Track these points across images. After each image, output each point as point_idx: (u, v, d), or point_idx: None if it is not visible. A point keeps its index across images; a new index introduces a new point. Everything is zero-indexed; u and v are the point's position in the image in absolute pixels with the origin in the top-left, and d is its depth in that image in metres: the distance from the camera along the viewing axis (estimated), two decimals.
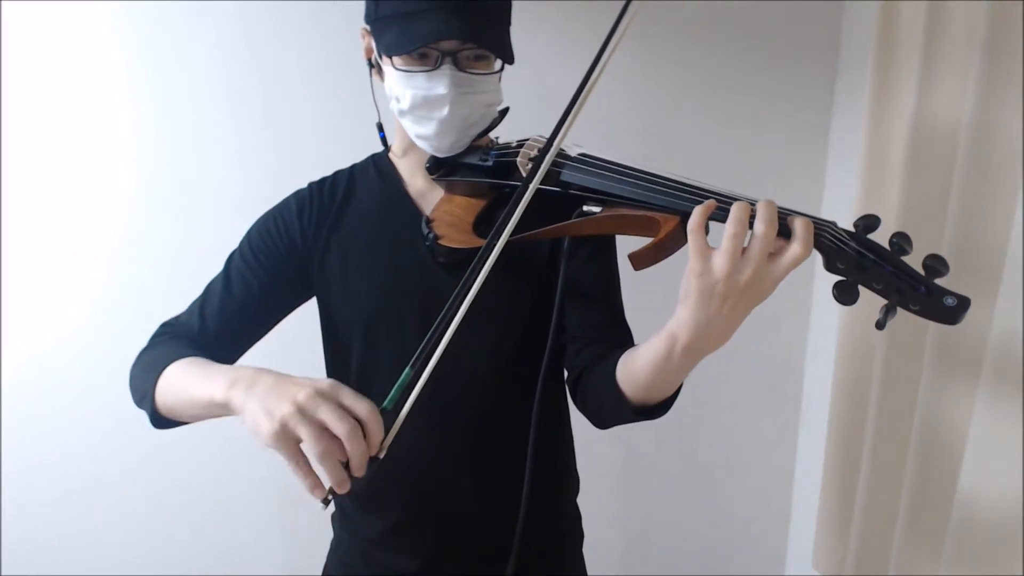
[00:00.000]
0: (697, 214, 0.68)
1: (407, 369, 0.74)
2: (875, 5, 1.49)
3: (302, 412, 0.68)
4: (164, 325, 1.01)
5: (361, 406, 0.69)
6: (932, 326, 1.29)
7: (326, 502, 0.71)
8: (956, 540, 1.22)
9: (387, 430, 0.71)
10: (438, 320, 0.74)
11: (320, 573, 1.15)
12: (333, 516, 1.13)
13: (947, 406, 1.29)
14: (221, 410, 0.77)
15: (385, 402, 0.73)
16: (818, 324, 1.92)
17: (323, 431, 0.68)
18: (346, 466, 0.69)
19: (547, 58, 1.61)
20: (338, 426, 0.67)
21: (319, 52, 1.58)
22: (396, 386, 0.73)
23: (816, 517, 1.74)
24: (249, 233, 1.02)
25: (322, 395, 0.69)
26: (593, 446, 1.93)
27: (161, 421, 0.90)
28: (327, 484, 0.70)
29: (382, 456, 0.71)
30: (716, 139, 1.79)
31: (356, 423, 0.68)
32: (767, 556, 2.12)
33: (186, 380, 0.83)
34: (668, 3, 1.70)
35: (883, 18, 1.47)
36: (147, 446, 1.51)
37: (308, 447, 0.68)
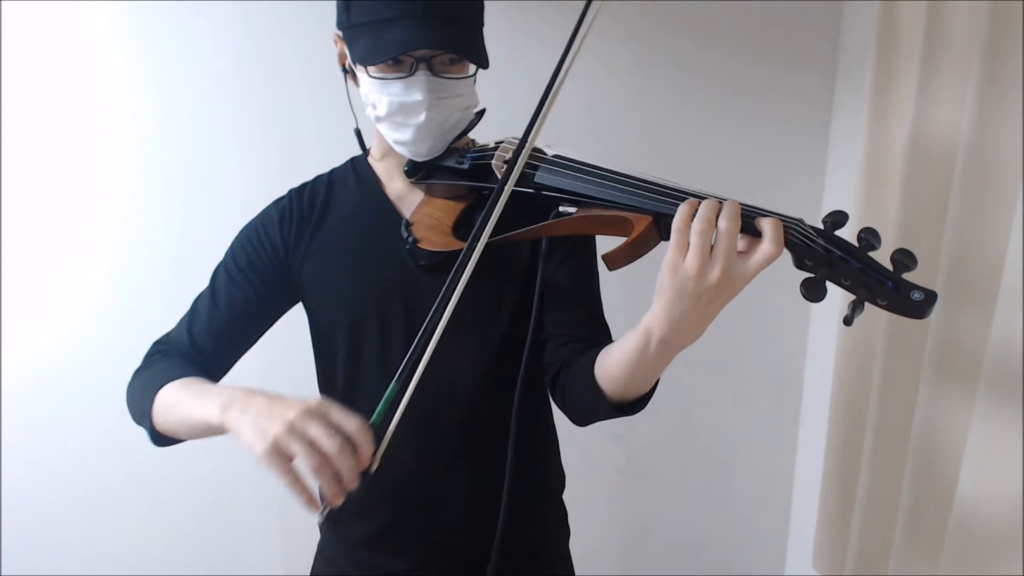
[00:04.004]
0: (683, 212, 0.69)
1: (392, 384, 0.76)
2: (875, 5, 1.49)
3: (293, 430, 0.70)
4: (156, 344, 1.03)
5: (350, 423, 0.72)
6: (932, 329, 1.29)
7: (323, 516, 0.74)
8: (956, 541, 1.22)
9: (377, 444, 0.73)
10: (420, 332, 0.77)
11: (309, 574, 1.15)
12: None
13: (946, 408, 1.29)
14: (215, 431, 0.80)
15: (373, 417, 0.75)
16: (818, 325, 1.92)
17: (314, 448, 0.70)
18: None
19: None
20: (327, 443, 0.70)
21: (319, 52, 1.58)
22: (383, 401, 0.75)
23: (816, 517, 1.74)
24: (232, 247, 1.04)
25: (311, 413, 0.72)
26: (593, 446, 1.94)
27: (161, 439, 0.93)
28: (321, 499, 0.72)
29: (374, 469, 0.74)
30: (716, 139, 1.80)
31: (345, 440, 0.71)
32: (767, 556, 2.12)
33: (181, 403, 0.86)
34: (669, 3, 1.71)
35: (883, 18, 1.47)
36: (147, 446, 1.51)
37: (301, 463, 0.71)
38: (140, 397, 0.93)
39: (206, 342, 1.00)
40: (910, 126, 1.36)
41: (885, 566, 1.51)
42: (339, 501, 0.72)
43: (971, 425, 1.20)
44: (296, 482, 0.71)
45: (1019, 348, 1.11)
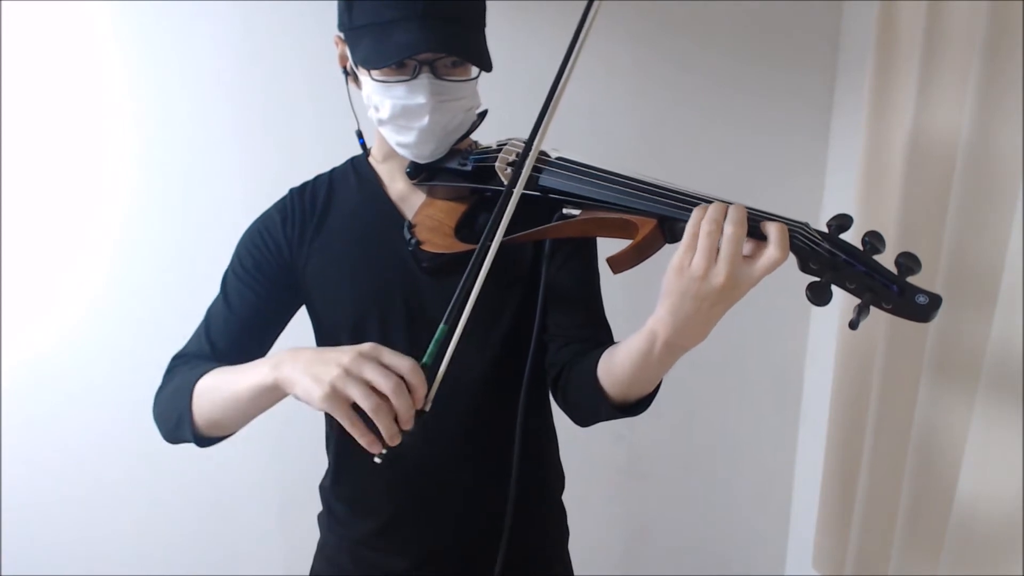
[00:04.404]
0: (696, 215, 0.69)
1: (441, 325, 0.76)
2: (875, 5, 1.49)
3: (348, 373, 0.72)
4: (174, 359, 1.02)
5: (403, 363, 0.73)
6: (932, 329, 1.29)
7: (382, 457, 0.75)
8: (956, 540, 1.22)
9: (429, 384, 0.75)
10: (464, 277, 0.76)
11: (308, 574, 1.15)
12: (320, 516, 1.14)
13: (946, 408, 1.29)
14: (268, 395, 0.80)
15: (424, 358, 0.76)
16: (818, 325, 1.92)
17: (371, 388, 0.71)
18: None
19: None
20: (383, 383, 0.71)
21: (319, 52, 1.58)
22: (432, 341, 0.76)
23: (816, 517, 1.74)
24: (237, 250, 1.03)
25: (365, 356, 0.73)
26: (593, 446, 1.94)
27: (204, 440, 0.92)
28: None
29: (428, 409, 0.75)
30: (716, 139, 1.80)
31: (400, 379, 0.72)
32: (767, 556, 2.12)
33: (225, 382, 0.85)
34: (669, 3, 1.71)
35: (883, 18, 1.47)
36: (147, 446, 1.52)
37: (360, 404, 0.71)
38: (174, 402, 0.91)
39: (226, 347, 0.99)
40: (910, 126, 1.36)
41: (885, 566, 1.51)
42: (397, 441, 0.73)
43: (971, 425, 1.20)
44: (357, 423, 0.72)
45: (1019, 348, 1.11)
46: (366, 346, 0.74)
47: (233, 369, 0.86)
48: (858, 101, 1.59)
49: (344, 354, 0.73)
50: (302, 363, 0.75)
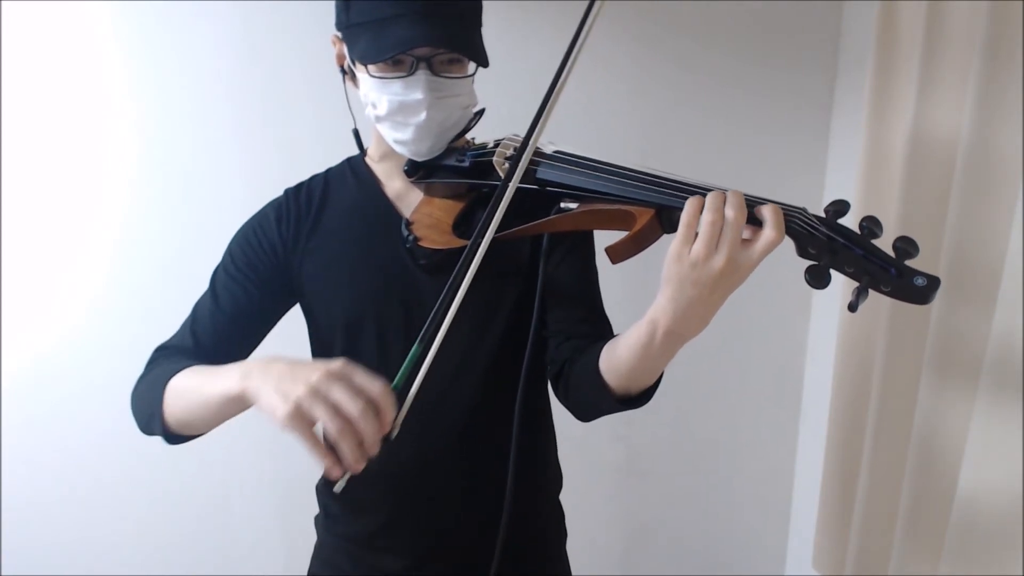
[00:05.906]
0: (691, 206, 0.69)
1: (415, 345, 0.75)
2: (875, 5, 1.49)
3: (315, 393, 0.69)
4: (157, 350, 1.01)
5: (373, 385, 0.71)
6: (932, 328, 1.29)
7: (343, 483, 0.73)
8: (956, 540, 1.22)
9: (399, 408, 0.73)
10: (441, 297, 0.76)
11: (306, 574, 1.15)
12: (316, 518, 1.13)
13: (947, 407, 1.29)
14: (236, 404, 0.78)
15: (395, 381, 0.74)
16: (818, 323, 1.92)
17: (337, 411, 0.69)
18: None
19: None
20: (350, 405, 0.69)
21: (319, 52, 1.58)
22: (405, 363, 0.75)
23: (816, 517, 1.74)
24: (230, 247, 1.03)
25: (334, 376, 0.71)
26: (593, 445, 1.94)
27: (174, 437, 0.91)
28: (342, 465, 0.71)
29: (394, 434, 0.73)
30: (716, 139, 1.80)
31: (368, 403, 0.70)
32: (767, 556, 2.12)
33: (196, 384, 0.84)
34: (670, 3, 1.71)
35: (883, 18, 1.47)
36: (147, 446, 1.52)
37: (323, 426, 0.69)
38: (148, 396, 0.91)
39: (210, 343, 0.99)
40: (910, 126, 1.36)
41: (885, 566, 1.51)
42: (360, 467, 0.70)
43: (971, 424, 1.20)
44: (318, 446, 0.70)
45: (1019, 347, 1.11)
46: (336, 364, 0.72)
47: (206, 371, 0.84)
48: (858, 101, 1.59)
49: (314, 371, 0.70)
50: (272, 377, 0.72)
